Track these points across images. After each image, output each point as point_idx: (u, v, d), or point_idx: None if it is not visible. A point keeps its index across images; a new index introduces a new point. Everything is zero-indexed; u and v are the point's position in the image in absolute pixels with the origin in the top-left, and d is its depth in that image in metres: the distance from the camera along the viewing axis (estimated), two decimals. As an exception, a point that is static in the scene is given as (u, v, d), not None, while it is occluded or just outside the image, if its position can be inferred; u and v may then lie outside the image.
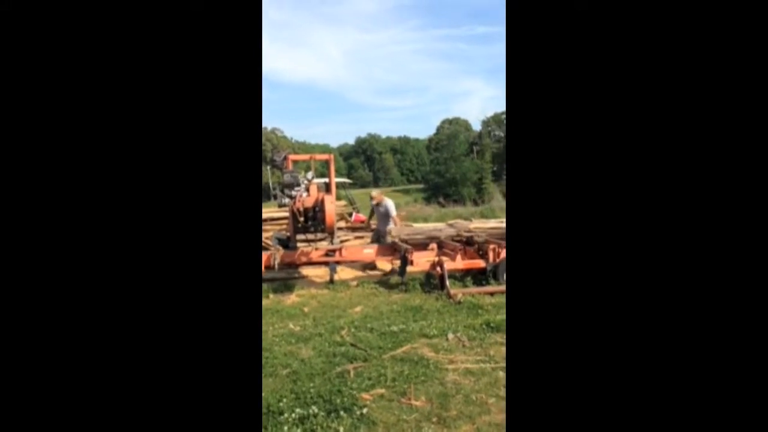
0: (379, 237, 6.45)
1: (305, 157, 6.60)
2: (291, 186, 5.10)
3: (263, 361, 3.34)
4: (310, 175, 5.41)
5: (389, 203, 6.48)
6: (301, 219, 5.32)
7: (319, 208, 5.24)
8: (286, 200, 5.16)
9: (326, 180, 5.95)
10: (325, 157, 6.15)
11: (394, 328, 4.00)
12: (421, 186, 53.90)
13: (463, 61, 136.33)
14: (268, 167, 5.46)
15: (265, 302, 5.15)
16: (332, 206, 5.12)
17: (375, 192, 6.90)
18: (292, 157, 5.77)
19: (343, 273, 6.27)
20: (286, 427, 2.35)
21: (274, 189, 5.64)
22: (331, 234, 5.40)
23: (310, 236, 5.46)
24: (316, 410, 2.52)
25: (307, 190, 5.32)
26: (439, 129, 57.99)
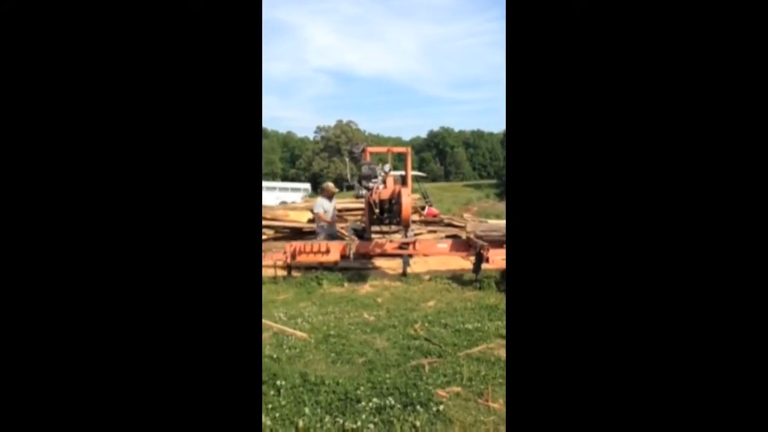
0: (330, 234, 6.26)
1: (383, 149, 6.66)
2: (369, 178, 5.16)
3: (340, 347, 3.43)
4: (387, 167, 5.44)
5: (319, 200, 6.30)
6: (377, 211, 5.38)
7: (395, 200, 5.26)
8: (363, 191, 5.23)
9: (402, 173, 5.95)
10: (402, 150, 6.16)
11: (469, 326, 3.91)
12: (493, 181, 52.36)
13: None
14: (346, 158, 5.58)
15: (340, 290, 5.30)
16: (409, 199, 5.11)
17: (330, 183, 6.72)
18: (370, 149, 5.85)
19: (416, 266, 6.26)
20: (363, 416, 2.38)
21: (351, 180, 5.76)
22: (407, 227, 5.39)
23: (385, 228, 5.50)
24: (392, 402, 2.53)
25: (384, 182, 5.36)
26: (515, 122, 55.67)
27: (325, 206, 6.33)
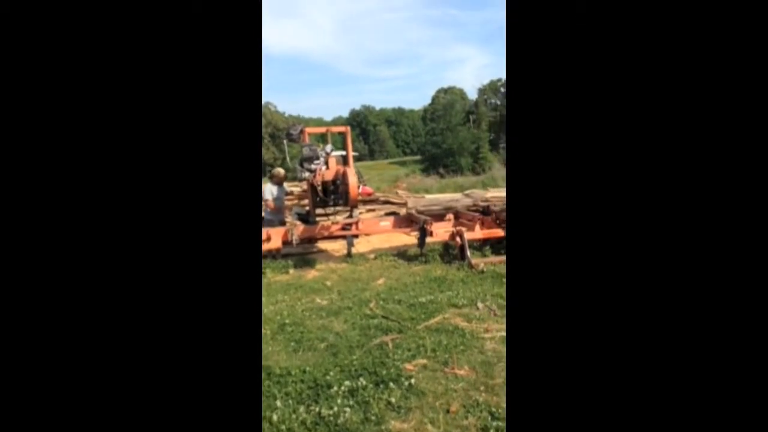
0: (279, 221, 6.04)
1: (321, 130, 6.48)
2: (310, 159, 5.00)
3: (298, 335, 3.36)
4: (328, 147, 5.30)
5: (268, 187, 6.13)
6: (321, 193, 5.26)
7: (340, 181, 5.17)
8: (306, 174, 5.07)
9: (343, 153, 5.86)
10: (341, 129, 6.04)
11: (422, 299, 4.01)
12: (417, 158, 53.60)
13: (455, 28, 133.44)
14: (284, 141, 5.35)
15: (286, 277, 5.16)
16: (355, 179, 5.04)
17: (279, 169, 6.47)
18: (308, 130, 5.65)
19: (359, 246, 6.27)
20: (338, 400, 2.36)
21: (292, 162, 5.56)
22: (354, 207, 5.34)
23: (329, 210, 5.41)
24: (364, 382, 2.53)
25: (327, 163, 5.23)
26: (434, 99, 57.20)
27: (274, 193, 6.06)
